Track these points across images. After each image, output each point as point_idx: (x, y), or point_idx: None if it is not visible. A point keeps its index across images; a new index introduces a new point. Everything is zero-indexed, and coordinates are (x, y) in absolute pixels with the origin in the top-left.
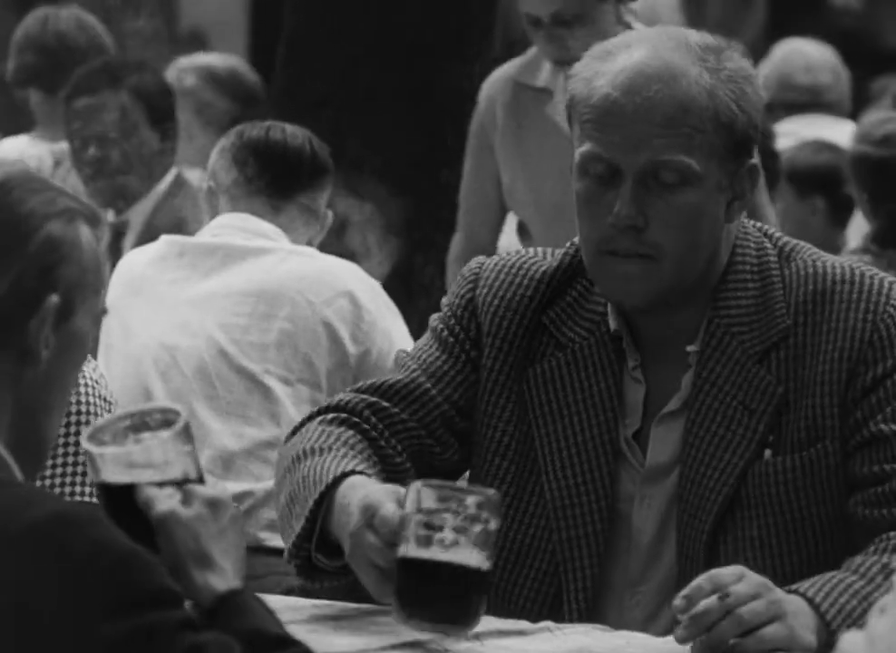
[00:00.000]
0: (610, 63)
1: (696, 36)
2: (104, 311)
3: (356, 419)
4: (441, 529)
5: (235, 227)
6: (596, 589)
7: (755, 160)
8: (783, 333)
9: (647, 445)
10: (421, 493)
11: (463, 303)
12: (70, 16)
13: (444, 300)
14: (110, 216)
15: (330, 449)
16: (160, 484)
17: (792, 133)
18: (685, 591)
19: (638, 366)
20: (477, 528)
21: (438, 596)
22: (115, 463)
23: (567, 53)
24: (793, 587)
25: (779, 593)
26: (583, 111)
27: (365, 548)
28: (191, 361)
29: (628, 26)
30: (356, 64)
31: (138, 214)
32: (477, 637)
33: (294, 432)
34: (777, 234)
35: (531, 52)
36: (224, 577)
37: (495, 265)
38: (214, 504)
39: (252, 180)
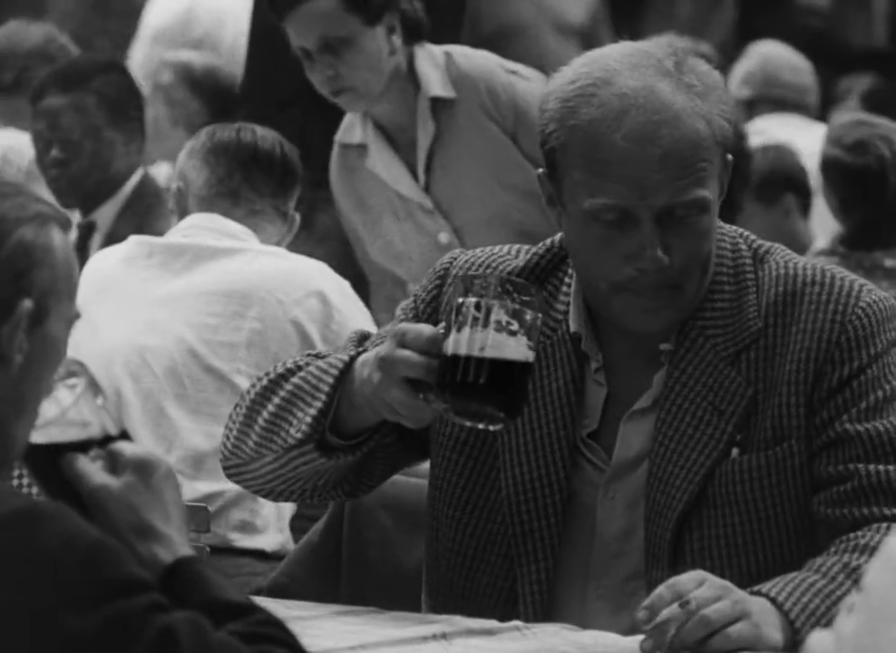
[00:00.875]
0: (598, 107)
1: (661, 53)
2: (77, 315)
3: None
4: (489, 321)
5: (205, 227)
6: (552, 582)
7: (729, 155)
8: (754, 335)
9: (612, 442)
10: (460, 285)
11: (428, 298)
12: (39, 33)
13: (414, 289)
14: (76, 217)
15: (314, 361)
16: (84, 445)
17: (763, 132)
18: (646, 602)
19: (601, 368)
20: (526, 320)
21: (488, 390)
22: None
23: (339, 81)
24: (755, 588)
25: (742, 594)
26: (585, 161)
27: (397, 365)
28: (161, 361)
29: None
30: None
31: (104, 215)
32: (445, 636)
33: (242, 399)
34: (752, 236)
35: (348, 114)
36: (170, 546)
37: (465, 262)
38: (142, 468)
39: (222, 181)
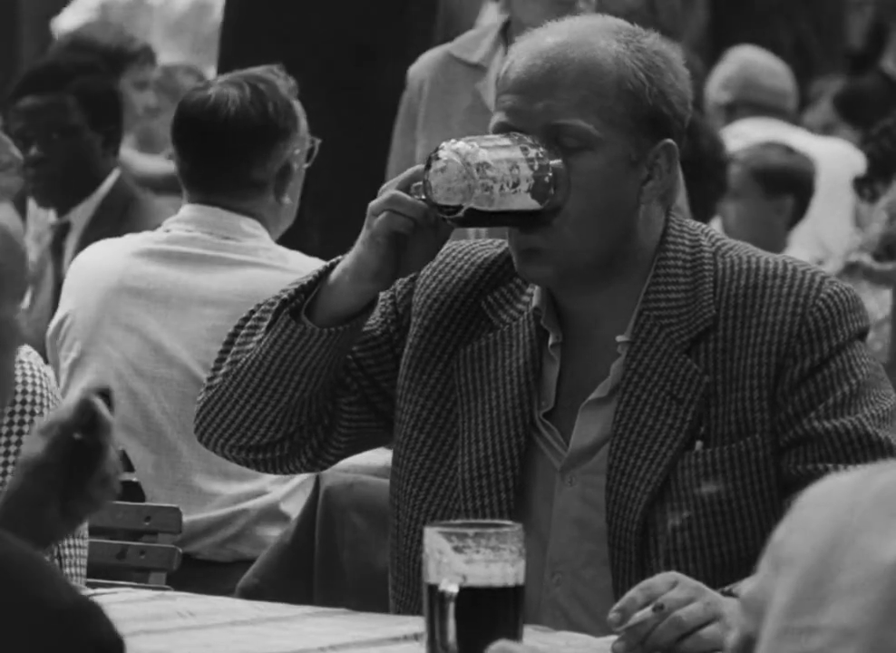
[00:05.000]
0: (530, 42)
1: (620, 21)
2: (27, 287)
3: None
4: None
5: (204, 222)
6: None
7: (671, 140)
8: (708, 322)
9: (568, 426)
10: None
11: (407, 280)
12: None
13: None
14: (51, 216)
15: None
16: None
17: (743, 135)
18: (619, 604)
19: (558, 345)
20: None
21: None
22: None
23: None
24: (726, 588)
25: (714, 595)
26: (499, 85)
27: (401, 177)
28: (171, 394)
29: None
30: (297, 65)
31: (80, 216)
32: (416, 637)
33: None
34: (717, 235)
35: (473, 31)
36: None
37: (448, 249)
38: None
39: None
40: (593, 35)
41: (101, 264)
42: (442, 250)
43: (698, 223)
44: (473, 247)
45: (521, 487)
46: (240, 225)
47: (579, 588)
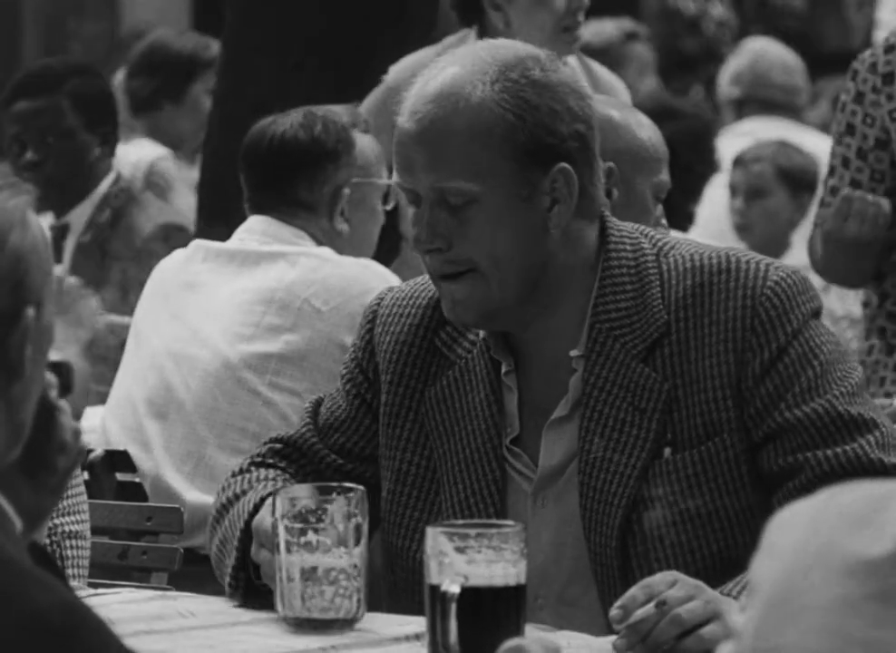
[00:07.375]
0: (409, 97)
1: (496, 53)
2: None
3: (270, 461)
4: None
5: (257, 231)
6: None
7: (565, 164)
8: (661, 329)
9: (535, 448)
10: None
11: (363, 345)
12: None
13: (350, 341)
14: (49, 219)
15: (251, 488)
16: None
17: (750, 133)
18: (619, 602)
19: (512, 372)
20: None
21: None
22: None
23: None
24: (722, 588)
25: (714, 593)
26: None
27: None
28: (196, 372)
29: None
30: (296, 67)
31: (78, 217)
32: (418, 637)
33: (221, 489)
34: (655, 234)
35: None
36: None
37: (391, 299)
38: None
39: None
40: (461, 85)
41: (166, 263)
42: (383, 302)
43: (636, 225)
44: (414, 289)
45: (500, 518)
46: (284, 232)
47: (563, 609)
